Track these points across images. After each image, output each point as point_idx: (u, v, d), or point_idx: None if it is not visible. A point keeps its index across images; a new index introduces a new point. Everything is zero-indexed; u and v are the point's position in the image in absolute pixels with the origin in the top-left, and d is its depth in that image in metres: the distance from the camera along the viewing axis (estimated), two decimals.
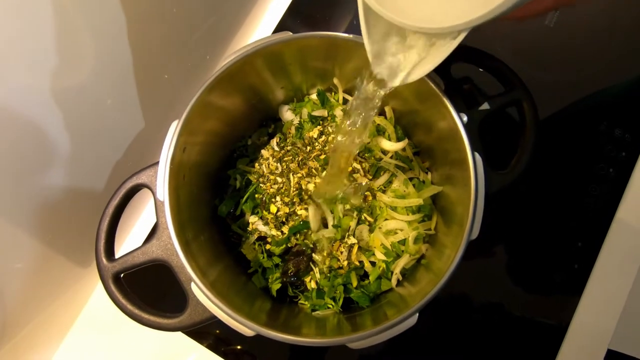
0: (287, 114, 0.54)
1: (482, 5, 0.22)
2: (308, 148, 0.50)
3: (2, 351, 0.47)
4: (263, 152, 0.52)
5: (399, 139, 0.50)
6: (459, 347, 0.54)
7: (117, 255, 0.40)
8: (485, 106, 0.41)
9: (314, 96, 0.53)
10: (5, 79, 0.36)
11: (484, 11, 0.22)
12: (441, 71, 0.35)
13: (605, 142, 0.57)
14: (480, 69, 0.47)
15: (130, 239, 0.60)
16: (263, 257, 0.48)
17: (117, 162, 0.52)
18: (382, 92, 0.33)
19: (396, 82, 0.32)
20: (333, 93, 0.53)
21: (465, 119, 0.39)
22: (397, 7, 0.25)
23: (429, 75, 0.36)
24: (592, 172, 0.57)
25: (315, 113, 0.51)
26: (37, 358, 0.55)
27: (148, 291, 0.53)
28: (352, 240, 0.47)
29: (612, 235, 0.55)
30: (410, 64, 0.30)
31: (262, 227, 0.49)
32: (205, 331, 0.56)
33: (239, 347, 0.56)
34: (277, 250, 0.48)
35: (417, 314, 0.36)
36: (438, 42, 0.28)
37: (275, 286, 0.47)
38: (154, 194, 0.39)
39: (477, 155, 0.38)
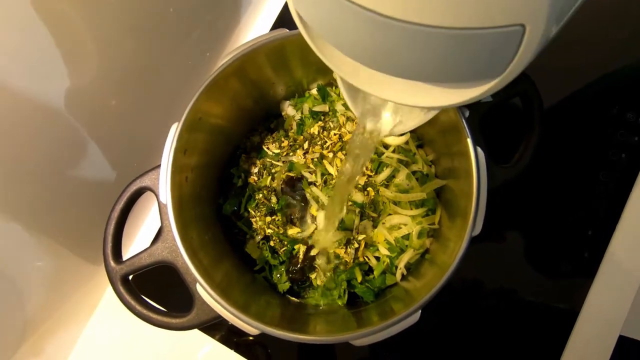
0: (288, 110, 0.53)
1: (453, 95, 0.23)
2: (306, 144, 0.50)
3: (24, 347, 0.49)
4: (265, 149, 0.52)
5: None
6: (469, 333, 0.54)
7: (125, 257, 0.41)
8: (488, 98, 0.40)
9: (314, 91, 0.52)
10: (9, 83, 0.36)
11: (455, 100, 0.23)
12: None
13: (616, 126, 0.56)
14: None
15: (139, 240, 0.61)
16: (268, 256, 0.48)
17: (122, 163, 0.53)
18: (374, 140, 0.34)
19: (385, 134, 0.33)
20: (334, 87, 0.52)
21: (467, 112, 0.38)
22: (373, 81, 0.26)
23: None
24: (603, 159, 0.55)
25: (317, 108, 0.51)
26: (56, 352, 0.57)
27: (157, 290, 0.55)
28: (362, 236, 0.47)
29: (624, 222, 0.54)
30: (394, 121, 0.31)
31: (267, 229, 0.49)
32: (217, 324, 0.57)
33: (250, 338, 0.57)
34: (282, 252, 0.48)
35: (420, 311, 0.36)
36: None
37: (283, 286, 0.47)
38: (157, 196, 0.40)
39: (479, 149, 0.37)
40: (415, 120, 0.30)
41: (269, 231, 0.49)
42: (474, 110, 0.38)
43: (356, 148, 0.36)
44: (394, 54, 0.20)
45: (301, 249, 0.48)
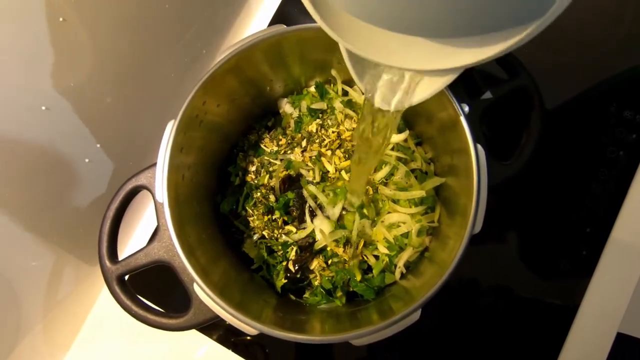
0: (286, 107, 0.53)
1: (482, 50, 0.21)
2: (304, 142, 0.50)
3: (18, 348, 0.49)
4: (262, 147, 0.51)
5: (400, 130, 0.49)
6: (468, 332, 0.54)
7: (120, 258, 0.41)
8: (487, 95, 0.40)
9: (312, 89, 0.52)
10: (3, 79, 0.36)
11: (485, 54, 0.21)
12: None
13: (614, 124, 0.56)
14: None
15: (134, 240, 0.60)
16: (266, 255, 0.48)
17: (118, 161, 0.52)
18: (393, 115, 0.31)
19: (401, 107, 0.30)
20: (332, 85, 0.52)
21: (467, 109, 0.37)
22: (386, 50, 0.24)
23: None
24: (601, 156, 0.55)
25: (314, 106, 0.51)
26: (51, 353, 0.56)
27: (153, 290, 0.54)
28: (360, 233, 0.47)
29: (622, 220, 0.54)
30: (403, 91, 0.28)
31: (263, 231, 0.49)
32: (215, 324, 0.57)
33: (248, 338, 0.57)
34: (280, 253, 0.48)
35: (420, 310, 0.36)
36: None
37: (280, 282, 0.47)
38: (153, 195, 0.39)
39: (479, 146, 0.37)
40: (435, 85, 0.26)
41: (265, 232, 0.49)
42: (474, 107, 0.38)
43: (377, 124, 0.32)
44: (425, 6, 0.17)
45: (293, 251, 0.47)
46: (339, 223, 0.47)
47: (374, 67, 0.28)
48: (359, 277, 0.46)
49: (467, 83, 0.39)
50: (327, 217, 0.48)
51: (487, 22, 0.18)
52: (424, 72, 0.26)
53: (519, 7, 0.17)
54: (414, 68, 0.24)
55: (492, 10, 0.17)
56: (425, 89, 0.27)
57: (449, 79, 0.26)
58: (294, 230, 0.48)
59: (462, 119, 0.37)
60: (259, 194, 0.50)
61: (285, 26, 0.41)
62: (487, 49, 0.20)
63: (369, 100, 0.29)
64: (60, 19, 0.37)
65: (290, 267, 0.47)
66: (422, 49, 0.22)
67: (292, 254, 0.47)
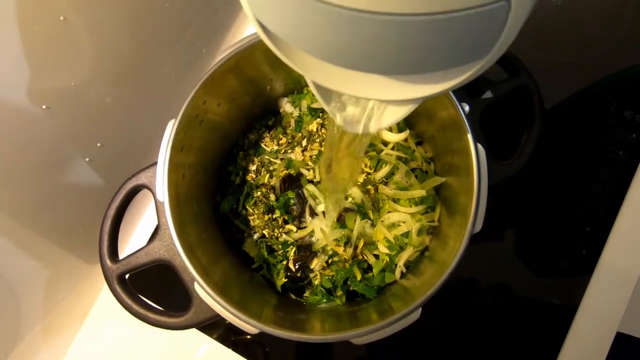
0: (286, 107, 0.53)
1: (437, 83, 0.22)
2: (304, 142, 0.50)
3: (19, 348, 0.48)
4: (263, 146, 0.51)
5: (400, 130, 0.49)
6: (467, 331, 0.54)
7: (121, 257, 0.41)
8: (488, 94, 0.40)
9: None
10: (3, 77, 0.35)
11: (438, 89, 0.22)
12: None
13: (614, 124, 0.56)
14: None
15: (135, 239, 0.60)
16: (266, 254, 0.48)
17: (119, 161, 0.52)
18: (363, 141, 0.32)
19: (369, 132, 0.30)
20: None
21: (467, 108, 0.38)
22: (348, 80, 0.24)
23: None
24: (601, 156, 0.55)
25: (315, 105, 0.51)
26: (51, 353, 0.56)
27: (154, 289, 0.54)
28: (362, 233, 0.47)
29: (622, 219, 0.54)
30: (371, 117, 0.29)
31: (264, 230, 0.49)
32: (215, 323, 0.56)
33: (248, 337, 0.57)
34: (280, 252, 0.48)
35: (421, 309, 0.36)
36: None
37: (280, 281, 0.47)
38: (153, 194, 0.39)
39: (480, 146, 0.37)
40: (400, 113, 0.27)
41: (266, 231, 0.49)
42: (474, 107, 0.38)
43: (347, 151, 0.34)
44: (370, 50, 0.18)
45: (292, 250, 0.47)
46: (340, 222, 0.47)
47: (338, 95, 0.29)
48: (359, 277, 0.46)
49: (467, 83, 0.39)
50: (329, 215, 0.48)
51: (434, 63, 0.19)
52: (385, 102, 0.27)
53: (465, 50, 0.18)
54: (372, 98, 0.24)
55: (436, 55, 0.18)
56: (390, 116, 0.28)
57: (411, 107, 0.27)
58: (294, 229, 0.48)
59: (463, 118, 0.37)
60: (259, 193, 0.50)
61: None
62: (443, 84, 0.21)
63: (337, 125, 0.30)
64: (61, 18, 0.37)
65: (291, 266, 0.47)
66: (380, 80, 0.23)
67: (291, 253, 0.47)
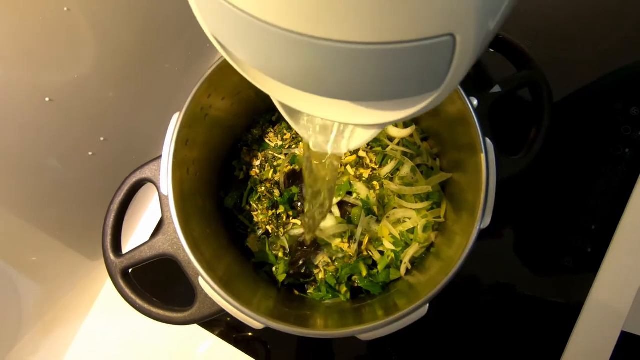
0: None
1: (392, 112, 0.22)
2: None
3: (20, 343, 0.48)
4: (267, 141, 0.51)
5: (406, 125, 0.48)
6: (472, 328, 0.54)
7: (124, 251, 0.40)
8: (496, 89, 0.40)
9: None
10: (7, 69, 0.35)
11: (393, 118, 0.22)
12: None
13: (620, 121, 0.55)
14: (491, 49, 0.45)
15: (138, 233, 0.60)
16: (269, 251, 0.47)
17: (122, 155, 0.52)
18: (332, 162, 0.32)
19: (336, 152, 0.30)
20: None
21: (475, 102, 0.37)
22: (309, 99, 0.24)
23: None
24: (607, 153, 0.55)
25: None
26: (54, 348, 0.56)
27: (157, 284, 0.54)
28: (365, 231, 0.46)
29: (627, 218, 0.54)
30: (341, 139, 0.29)
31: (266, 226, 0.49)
32: (216, 319, 0.56)
33: (250, 334, 0.56)
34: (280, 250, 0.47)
35: (428, 305, 0.35)
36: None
37: (281, 277, 0.46)
38: (158, 188, 0.39)
39: (488, 141, 0.36)
40: (366, 135, 0.28)
41: (269, 227, 0.48)
42: (483, 101, 0.37)
43: (315, 172, 0.33)
44: (316, 74, 0.18)
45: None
46: (346, 218, 0.47)
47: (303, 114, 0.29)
48: (364, 273, 0.46)
49: (476, 76, 0.39)
50: (331, 212, 0.48)
51: (382, 92, 0.20)
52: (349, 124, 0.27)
53: (413, 81, 0.18)
54: (335, 120, 0.25)
55: (382, 84, 0.18)
56: (358, 138, 0.28)
57: (375, 131, 0.27)
58: (299, 223, 0.47)
59: (472, 112, 0.36)
60: (263, 188, 0.49)
61: None
62: (401, 112, 0.22)
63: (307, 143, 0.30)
64: (65, 9, 0.37)
65: (284, 251, 0.46)
66: (341, 103, 0.23)
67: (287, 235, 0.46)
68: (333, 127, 0.28)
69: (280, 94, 0.25)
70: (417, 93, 0.20)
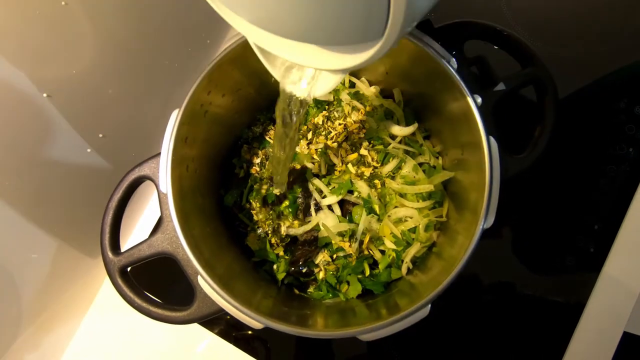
0: None
1: (345, 59, 0.25)
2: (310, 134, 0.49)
3: (20, 339, 0.48)
4: (267, 139, 0.50)
5: (408, 123, 0.48)
6: (474, 328, 0.53)
7: (123, 249, 0.40)
8: (500, 87, 0.39)
9: None
10: (5, 69, 0.35)
11: (345, 64, 0.25)
12: (453, 50, 0.33)
13: (624, 120, 0.55)
14: (495, 47, 0.45)
15: (137, 231, 0.59)
16: (269, 249, 0.47)
17: (120, 152, 0.52)
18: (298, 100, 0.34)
19: (304, 95, 0.33)
20: None
21: (479, 100, 0.37)
22: (275, 41, 0.27)
23: (439, 54, 0.34)
24: (611, 152, 0.54)
25: (321, 98, 0.50)
26: (52, 346, 0.56)
27: (156, 283, 0.54)
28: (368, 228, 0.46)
29: (631, 217, 0.53)
30: (311, 81, 0.32)
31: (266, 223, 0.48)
32: (216, 317, 0.56)
33: (249, 332, 0.56)
34: (280, 249, 0.47)
35: (430, 305, 0.35)
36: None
37: (280, 275, 0.46)
38: (157, 186, 0.39)
39: (492, 139, 0.36)
40: (330, 82, 0.30)
41: (268, 224, 0.48)
42: (487, 99, 0.37)
43: (285, 111, 0.36)
44: (274, 12, 0.21)
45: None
46: (347, 217, 0.46)
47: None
48: (367, 273, 0.45)
49: (480, 74, 0.38)
50: (332, 211, 0.48)
51: (336, 35, 0.22)
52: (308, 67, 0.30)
53: (356, 25, 0.21)
54: (301, 64, 0.27)
55: (336, 28, 0.21)
56: (325, 84, 0.31)
57: (340, 77, 0.30)
58: (299, 223, 0.47)
59: (475, 111, 0.36)
60: (264, 186, 0.49)
61: None
62: (353, 58, 0.24)
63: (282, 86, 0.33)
64: (63, 3, 0.36)
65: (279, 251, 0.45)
66: (308, 48, 0.26)
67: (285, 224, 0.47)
68: (303, 71, 0.31)
69: (253, 34, 0.28)
70: (363, 38, 0.23)
